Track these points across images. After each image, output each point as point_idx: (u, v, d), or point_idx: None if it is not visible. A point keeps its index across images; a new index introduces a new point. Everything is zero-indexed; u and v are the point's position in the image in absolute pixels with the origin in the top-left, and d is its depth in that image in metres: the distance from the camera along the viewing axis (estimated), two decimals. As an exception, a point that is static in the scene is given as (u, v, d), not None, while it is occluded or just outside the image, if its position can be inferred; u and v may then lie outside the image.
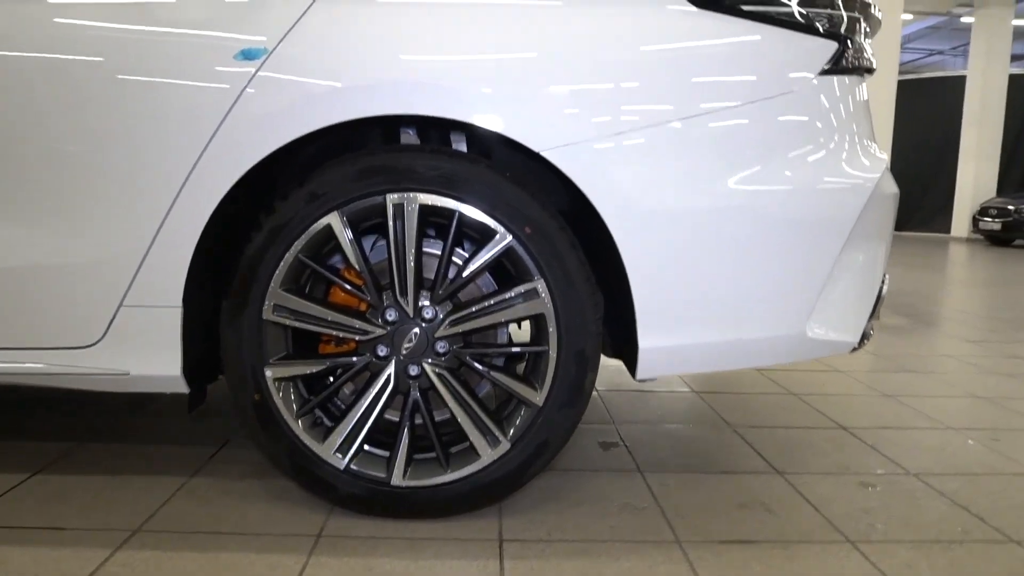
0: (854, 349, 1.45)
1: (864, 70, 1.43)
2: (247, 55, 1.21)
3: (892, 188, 1.45)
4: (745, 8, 1.31)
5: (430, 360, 1.31)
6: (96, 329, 1.27)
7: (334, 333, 1.29)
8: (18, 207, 1.24)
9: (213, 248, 1.33)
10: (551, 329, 1.29)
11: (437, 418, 1.37)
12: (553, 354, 1.30)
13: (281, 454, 1.31)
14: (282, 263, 1.26)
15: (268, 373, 1.29)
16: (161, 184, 1.23)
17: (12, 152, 1.23)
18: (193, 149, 1.22)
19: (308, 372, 1.31)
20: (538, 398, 1.31)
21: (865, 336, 1.46)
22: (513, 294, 1.29)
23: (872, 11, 1.46)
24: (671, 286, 1.30)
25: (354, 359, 1.31)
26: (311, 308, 1.28)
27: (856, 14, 1.39)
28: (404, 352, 1.30)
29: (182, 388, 1.31)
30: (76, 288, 1.26)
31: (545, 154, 1.23)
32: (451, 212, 1.27)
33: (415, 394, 1.33)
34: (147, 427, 1.81)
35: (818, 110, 1.34)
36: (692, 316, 1.32)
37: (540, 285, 1.28)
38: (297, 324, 1.29)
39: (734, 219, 1.29)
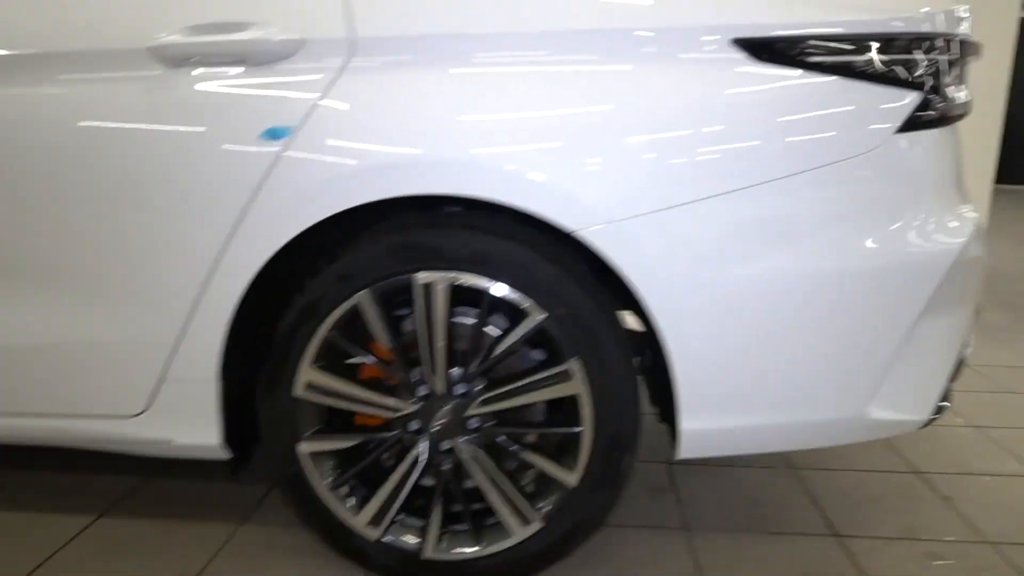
0: (924, 425, 1.33)
1: (954, 118, 1.26)
2: (273, 134, 1.18)
3: (977, 250, 1.30)
4: (812, 60, 1.17)
5: (462, 437, 1.28)
6: (139, 401, 1.31)
7: (366, 411, 1.28)
8: (67, 288, 1.28)
9: (257, 319, 1.34)
10: (585, 411, 1.24)
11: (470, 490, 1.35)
12: (588, 436, 1.25)
13: (316, 524, 1.33)
14: (312, 341, 1.25)
15: (302, 448, 1.30)
16: (192, 268, 1.23)
17: (63, 237, 1.26)
18: (223, 232, 1.21)
19: (342, 447, 1.31)
20: (572, 479, 1.27)
21: (939, 411, 1.33)
22: (547, 375, 1.24)
23: (967, 44, 1.27)
24: (719, 368, 1.21)
25: (386, 434, 1.30)
26: (342, 386, 1.27)
27: (942, 56, 1.21)
28: (435, 428, 1.28)
29: (223, 455, 1.34)
30: (120, 363, 1.29)
31: (580, 234, 1.16)
32: (482, 290, 1.22)
33: (447, 469, 1.31)
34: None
35: (896, 170, 1.20)
36: (740, 398, 1.23)
37: (574, 366, 1.22)
38: (329, 401, 1.28)
39: (793, 297, 1.18)
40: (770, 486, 1.76)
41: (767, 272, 1.18)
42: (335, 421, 1.36)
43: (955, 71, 1.26)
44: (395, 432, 1.30)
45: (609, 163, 1.14)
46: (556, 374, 1.23)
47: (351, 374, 1.31)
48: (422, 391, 1.28)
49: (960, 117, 1.30)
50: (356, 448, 1.35)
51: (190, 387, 1.29)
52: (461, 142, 1.15)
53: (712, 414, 1.24)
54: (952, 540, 1.55)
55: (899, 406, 1.28)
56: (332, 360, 1.30)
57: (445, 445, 1.29)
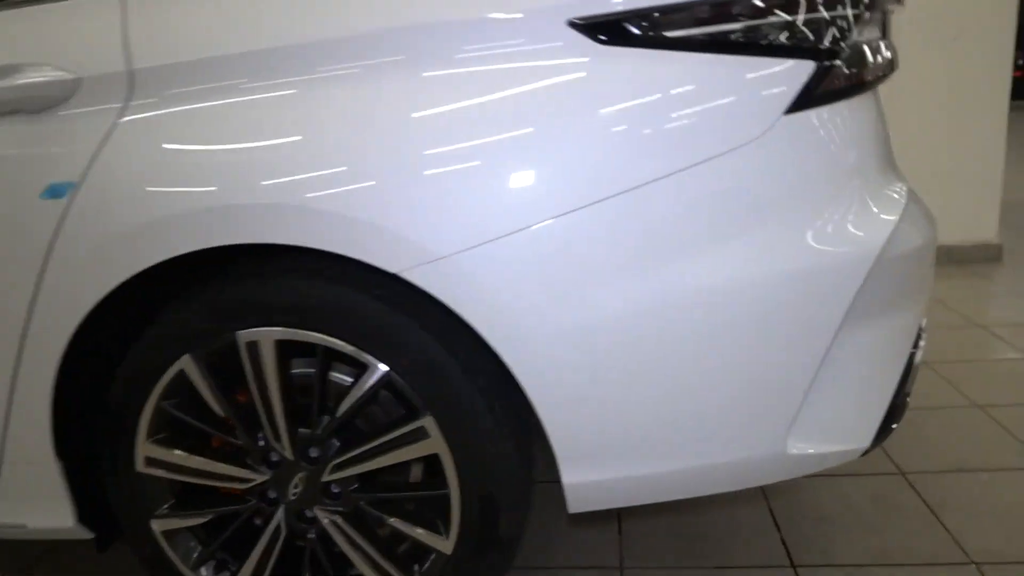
0: (867, 452, 1.12)
1: (867, 83, 1.03)
2: (54, 192, 1.03)
3: (915, 239, 1.07)
4: (670, 35, 0.95)
5: (323, 503, 1.14)
6: (-17, 486, 1.21)
7: (213, 484, 1.15)
8: None
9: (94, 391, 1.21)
10: (449, 472, 1.07)
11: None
12: (456, 498, 1.09)
13: (184, 604, 1.22)
14: (144, 414, 1.12)
15: (155, 526, 1.18)
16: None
17: None
18: (21, 302, 1.07)
19: (196, 523, 1.18)
20: (446, 545, 1.11)
21: (883, 433, 1.12)
22: (401, 433, 1.07)
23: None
24: (595, 413, 1.03)
25: (243, 506, 1.17)
26: (183, 460, 1.14)
27: (841, 10, 0.98)
28: (292, 497, 1.14)
29: (85, 535, 1.23)
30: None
31: (406, 275, 0.98)
32: (317, 345, 1.06)
33: (313, 537, 1.17)
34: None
35: (790, 159, 0.98)
36: (627, 445, 1.04)
37: (428, 422, 1.05)
38: (174, 476, 1.15)
39: (676, 324, 0.99)
40: (725, 508, 1.57)
41: (640, 297, 0.98)
42: (192, 495, 1.23)
43: (864, 24, 1.03)
44: (250, 503, 1.16)
45: (430, 191, 0.96)
46: (411, 432, 1.07)
47: (205, 444, 1.18)
48: (274, 458, 1.13)
49: (878, 80, 1.06)
50: (225, 518, 1.23)
51: (29, 469, 1.18)
52: (253, 181, 0.98)
53: (595, 465, 1.06)
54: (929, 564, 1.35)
55: (826, 434, 1.08)
56: (179, 430, 1.17)
57: (309, 513, 1.15)
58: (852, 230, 1.00)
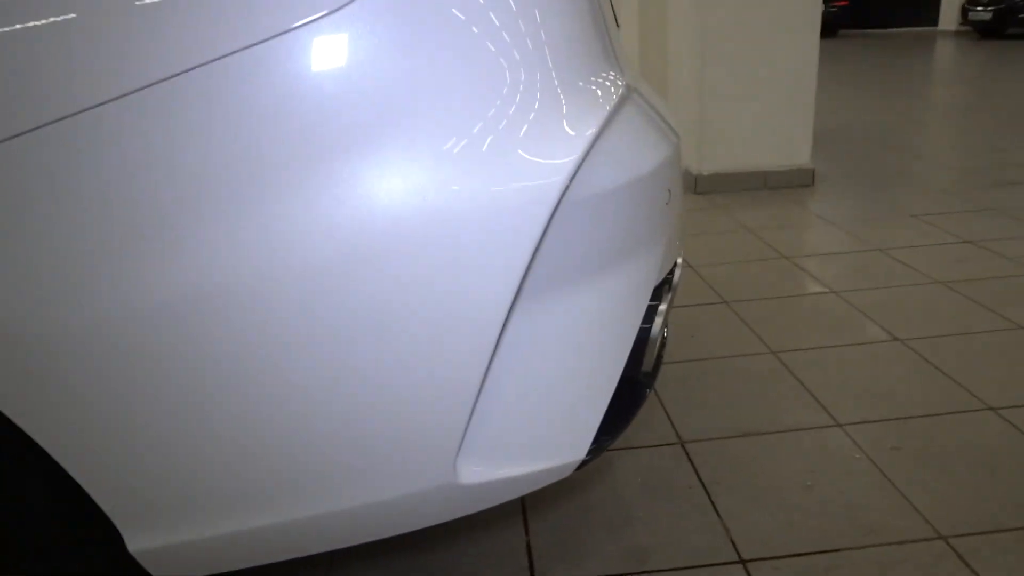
0: (584, 463, 0.82)
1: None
2: None
3: (633, 166, 0.74)
4: None
5: None
6: None
7: None
8: None
9: None
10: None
11: None
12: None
13: None
14: None
15: None
16: None
17: None
18: None
19: None
20: None
21: (609, 434, 0.82)
22: None
23: None
24: (136, 461, 0.64)
25: None
26: None
27: None
28: None
29: None
30: None
31: None
32: None
33: None
34: None
35: (402, 42, 0.61)
36: (191, 502, 0.67)
37: None
38: None
39: (229, 314, 0.61)
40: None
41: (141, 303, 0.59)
42: None
43: None
44: None
45: None
46: None
47: None
48: None
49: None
50: None
51: None
52: None
53: (163, 528, 0.68)
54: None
55: (521, 454, 0.75)
56: None
57: None
58: (524, 155, 0.65)
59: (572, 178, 0.66)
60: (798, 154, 3.37)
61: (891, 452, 1.35)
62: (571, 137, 0.67)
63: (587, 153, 0.68)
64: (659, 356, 0.94)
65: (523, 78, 0.66)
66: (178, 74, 0.56)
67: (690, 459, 1.36)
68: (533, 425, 0.74)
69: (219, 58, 0.56)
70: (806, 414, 1.48)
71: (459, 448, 0.71)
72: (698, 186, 3.36)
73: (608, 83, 0.77)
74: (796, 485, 1.27)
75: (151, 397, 0.63)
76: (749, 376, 1.64)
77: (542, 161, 0.65)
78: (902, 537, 1.13)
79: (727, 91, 3.22)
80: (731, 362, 1.71)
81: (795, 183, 3.38)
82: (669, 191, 0.84)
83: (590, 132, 0.68)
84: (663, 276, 0.91)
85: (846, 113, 5.29)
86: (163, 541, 0.70)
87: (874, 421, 1.45)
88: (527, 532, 1.19)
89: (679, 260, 1.00)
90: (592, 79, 0.74)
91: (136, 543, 0.70)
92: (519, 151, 0.64)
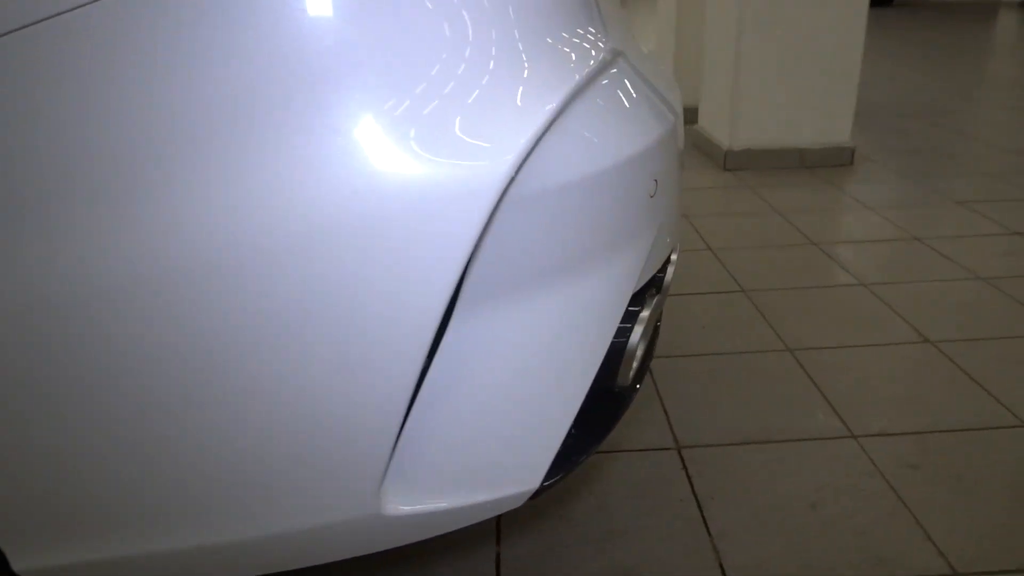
0: (540, 492, 0.71)
1: None
2: None
3: (607, 152, 0.62)
4: None
5: None
6: None
7: None
8: None
9: None
10: None
11: None
12: None
13: None
14: None
15: None
16: None
17: None
18: None
19: None
20: None
21: (569, 460, 0.71)
22: None
23: None
24: (18, 467, 0.56)
25: None
26: None
27: None
28: None
29: None
30: None
31: None
32: None
33: None
34: None
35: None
36: (100, 512, 0.59)
37: None
38: None
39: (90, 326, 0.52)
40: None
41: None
42: None
43: None
44: None
45: None
46: None
47: None
48: None
49: None
50: None
51: None
52: None
53: (48, 549, 0.60)
54: None
55: (464, 482, 0.65)
56: None
57: None
58: (461, 136, 0.54)
59: (519, 168, 0.54)
60: (837, 131, 3.16)
61: (908, 470, 1.22)
62: (524, 113, 0.55)
63: (542, 134, 0.56)
64: (642, 366, 0.83)
65: (471, 32, 0.54)
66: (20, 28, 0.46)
67: (685, 467, 1.25)
68: (475, 450, 0.64)
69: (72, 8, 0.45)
70: (818, 422, 1.36)
71: (383, 475, 0.61)
72: (727, 162, 3.18)
73: (586, 44, 0.65)
74: (800, 504, 1.16)
75: (29, 404, 0.54)
76: (760, 375, 1.52)
77: (482, 144, 0.53)
78: (910, 571, 1.01)
79: (764, 60, 3.02)
80: (742, 359, 1.59)
81: (833, 162, 3.18)
82: (656, 181, 0.72)
83: (549, 107, 0.56)
84: (650, 277, 0.79)
85: (893, 88, 4.99)
86: (52, 561, 0.62)
87: (893, 434, 1.32)
88: (498, 543, 1.10)
89: (674, 256, 0.88)
90: (565, 36, 0.61)
91: (21, 562, 0.62)
92: (456, 131, 0.53)
